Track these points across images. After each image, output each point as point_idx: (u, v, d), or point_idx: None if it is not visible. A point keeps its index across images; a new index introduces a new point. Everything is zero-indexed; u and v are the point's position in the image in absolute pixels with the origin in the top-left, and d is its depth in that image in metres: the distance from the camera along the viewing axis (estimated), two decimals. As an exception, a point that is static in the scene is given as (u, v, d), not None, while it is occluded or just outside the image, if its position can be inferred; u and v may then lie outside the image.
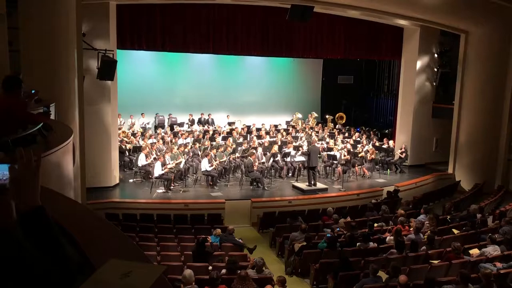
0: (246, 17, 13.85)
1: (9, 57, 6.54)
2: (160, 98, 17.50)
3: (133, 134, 14.80)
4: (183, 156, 12.04)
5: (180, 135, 14.67)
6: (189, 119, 17.51)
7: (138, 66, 17.14)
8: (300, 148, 13.49)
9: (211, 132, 15.73)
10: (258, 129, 16.80)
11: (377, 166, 14.30)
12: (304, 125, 18.34)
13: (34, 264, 1.04)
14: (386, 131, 18.43)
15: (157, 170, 11.10)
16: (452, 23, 13.78)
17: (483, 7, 12.43)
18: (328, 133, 16.84)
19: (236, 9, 13.63)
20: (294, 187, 12.15)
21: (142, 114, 16.99)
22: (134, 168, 12.86)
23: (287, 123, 18.96)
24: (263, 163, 12.72)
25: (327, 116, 19.18)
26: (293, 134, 16.21)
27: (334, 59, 17.77)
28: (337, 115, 19.34)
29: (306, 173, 12.57)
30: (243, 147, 13.58)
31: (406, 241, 7.57)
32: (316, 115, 19.07)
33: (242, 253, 7.88)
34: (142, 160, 11.91)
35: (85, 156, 8.63)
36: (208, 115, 17.99)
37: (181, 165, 11.82)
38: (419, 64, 15.31)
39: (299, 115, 18.77)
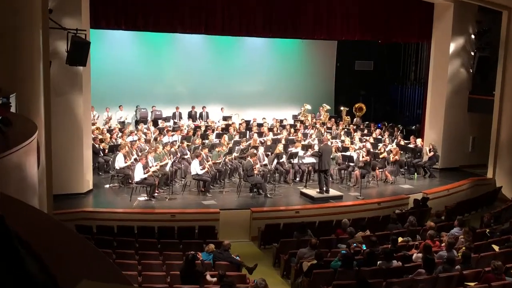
0: (245, -10, 13.88)
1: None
2: (141, 88, 17.51)
3: (110, 131, 14.81)
4: (169, 157, 12.05)
5: (165, 132, 14.70)
6: (176, 113, 17.55)
7: (115, 49, 17.16)
8: (310, 148, 13.49)
9: (203, 128, 15.75)
10: (259, 125, 16.84)
11: (402, 170, 14.32)
12: (314, 120, 18.35)
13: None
14: (413, 127, 18.43)
15: (138, 174, 11.11)
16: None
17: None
18: (343, 130, 16.88)
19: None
20: (302, 194, 12.18)
21: (120, 106, 17.02)
22: (110, 171, 12.87)
23: (294, 117, 18.99)
24: (265, 165, 12.72)
25: (342, 108, 19.20)
26: (302, 131, 16.22)
27: (350, 41, 17.73)
28: (356, 105, 19.33)
29: (316, 178, 12.56)
30: (241, 146, 13.59)
31: (436, 259, 7.56)
32: (328, 107, 19.09)
33: (240, 273, 7.88)
34: (120, 162, 11.91)
35: (51, 157, 8.62)
36: (203, 108, 18.05)
37: (167, 168, 11.81)
38: (452, 47, 15.29)
39: (308, 107, 18.79)
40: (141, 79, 17.48)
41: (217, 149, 12.72)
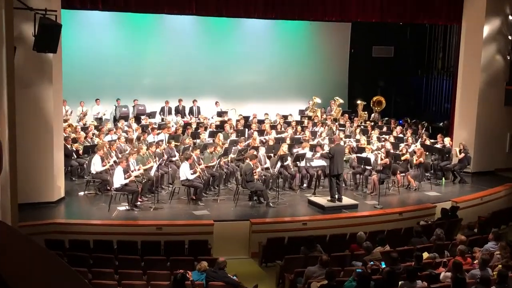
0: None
1: None
2: (122, 78, 17.55)
3: (84, 129, 14.83)
4: (154, 160, 12.07)
5: (150, 130, 14.72)
6: (165, 108, 17.56)
7: (91, 34, 17.19)
8: (319, 148, 13.49)
9: (194, 126, 15.76)
10: (260, 122, 16.87)
11: (427, 174, 14.35)
12: (324, 116, 18.38)
13: None
14: (441, 124, 18.44)
15: (118, 179, 11.12)
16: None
17: None
18: (358, 127, 16.92)
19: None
20: (310, 203, 12.19)
21: (96, 100, 17.04)
22: (85, 177, 12.92)
23: (301, 112, 19.02)
24: (267, 169, 12.73)
25: (358, 102, 19.20)
26: (310, 129, 16.27)
27: (367, 23, 17.80)
28: (374, 99, 19.34)
29: (327, 184, 12.55)
30: (239, 147, 13.62)
31: (468, 279, 7.56)
32: (341, 101, 19.14)
33: (238, 296, 7.87)
34: (96, 165, 11.94)
35: (16, 160, 8.61)
36: (194, 102, 18.03)
37: (152, 172, 11.84)
38: (486, 30, 15.28)
39: (318, 101, 18.80)
40: (121, 69, 17.51)
41: (208, 150, 12.73)
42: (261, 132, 15.55)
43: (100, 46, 17.24)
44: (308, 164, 13.03)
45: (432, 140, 15.65)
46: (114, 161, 12.06)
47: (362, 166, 13.20)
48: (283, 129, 16.16)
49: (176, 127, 15.74)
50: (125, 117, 16.63)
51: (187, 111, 18.11)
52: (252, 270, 10.10)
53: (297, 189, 13.19)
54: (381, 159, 13.11)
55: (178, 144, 14.06)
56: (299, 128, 16.21)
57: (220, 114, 17.64)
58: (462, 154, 14.34)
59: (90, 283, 7.24)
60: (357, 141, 15.18)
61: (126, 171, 11.26)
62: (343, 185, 12.61)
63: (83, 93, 16.55)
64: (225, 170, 12.89)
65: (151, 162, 11.97)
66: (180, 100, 17.79)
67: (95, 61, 17.02)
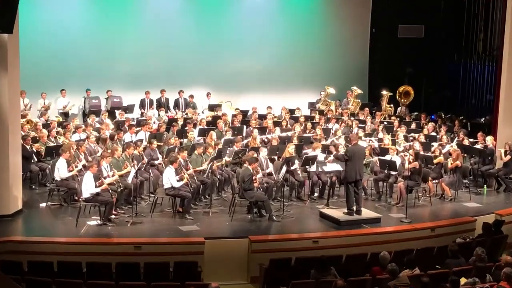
0: None
1: None
2: (93, 65, 17.50)
3: (47, 125, 14.74)
4: (132, 164, 12.01)
5: (127, 127, 14.68)
6: (146, 100, 17.57)
7: (55, 10, 17.17)
8: (334, 150, 13.44)
9: (180, 122, 15.71)
10: (262, 117, 16.81)
11: (465, 180, 14.26)
12: (340, 110, 18.32)
13: None
14: (482, 120, 18.42)
15: (88, 188, 11.07)
16: None
17: None
18: (381, 124, 16.84)
19: None
20: (323, 216, 12.10)
21: (62, 91, 17.02)
22: (48, 184, 12.85)
23: (311, 106, 18.99)
24: (270, 174, 12.66)
25: (384, 93, 19.14)
26: (322, 126, 16.20)
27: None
28: (400, 89, 19.30)
29: (343, 193, 12.48)
30: (235, 148, 13.57)
31: (515, 309, 7.52)
32: (360, 91, 19.09)
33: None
34: (61, 170, 11.89)
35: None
36: (180, 93, 18.00)
37: (129, 179, 11.78)
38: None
39: (331, 91, 18.77)
40: (92, 53, 17.49)
41: (196, 152, 12.66)
42: (262, 130, 15.48)
43: (66, 25, 17.20)
44: (320, 169, 12.93)
45: (472, 140, 15.57)
46: (83, 165, 11.99)
47: (386, 171, 13.12)
48: (289, 126, 16.10)
49: (158, 123, 15.68)
50: (97, 112, 16.59)
51: (171, 105, 18.08)
52: (251, 298, 10.09)
53: (307, 199, 13.10)
54: (409, 163, 12.96)
55: (161, 144, 13.99)
56: (308, 124, 16.15)
57: (212, 108, 17.57)
58: (508, 157, 14.27)
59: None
60: (380, 140, 15.11)
61: (98, 177, 11.18)
62: (363, 194, 12.51)
63: (46, 83, 16.53)
64: (218, 176, 12.80)
65: (128, 167, 11.90)
66: (162, 91, 17.73)
67: (60, 43, 16.98)
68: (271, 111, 17.33)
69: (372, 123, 17.09)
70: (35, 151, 13.27)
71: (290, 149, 13.05)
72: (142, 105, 17.73)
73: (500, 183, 14.38)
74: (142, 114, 17.10)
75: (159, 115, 17.02)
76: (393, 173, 13.10)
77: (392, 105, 19.32)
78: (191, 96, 17.99)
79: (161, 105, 17.66)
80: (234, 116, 16.67)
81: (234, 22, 19.01)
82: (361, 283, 9.27)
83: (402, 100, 19.43)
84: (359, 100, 18.98)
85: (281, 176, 12.52)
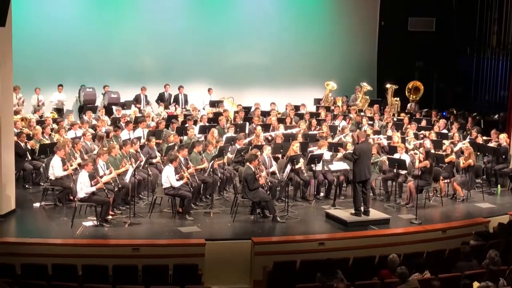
0: None
1: None
2: (88, 59, 17.49)
3: (41, 122, 14.78)
4: (129, 162, 12.04)
5: (124, 124, 14.71)
6: (141, 96, 17.58)
7: (49, 2, 17.13)
8: (341, 148, 13.48)
9: (180, 119, 15.74)
10: (265, 114, 16.85)
11: (478, 180, 14.28)
12: (347, 106, 18.32)
13: None
14: (496, 116, 18.37)
15: (84, 187, 11.10)
16: None
17: None
18: (390, 121, 16.88)
19: None
20: (329, 216, 12.16)
21: (59, 86, 17.01)
22: (42, 183, 12.87)
23: (317, 102, 19.00)
24: (274, 173, 12.70)
25: (387, 86, 19.12)
26: (328, 123, 16.23)
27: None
28: (411, 84, 19.26)
29: (350, 193, 12.53)
30: (238, 146, 13.63)
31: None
32: (369, 87, 19.12)
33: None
34: (56, 169, 11.91)
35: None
36: (180, 89, 18.00)
37: (127, 178, 11.82)
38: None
39: (333, 85, 18.75)
40: (88, 46, 17.49)
41: (195, 150, 12.69)
42: (266, 127, 15.49)
43: (61, 17, 17.19)
44: (326, 168, 12.97)
45: (485, 137, 15.59)
46: (79, 164, 11.99)
47: (395, 170, 13.10)
48: (294, 123, 16.12)
49: (157, 120, 15.67)
50: (92, 107, 16.60)
51: (171, 100, 18.09)
52: (254, 303, 10.10)
53: (312, 199, 13.14)
54: (420, 161, 12.96)
55: (160, 142, 14.01)
56: (314, 121, 16.17)
57: (213, 104, 17.57)
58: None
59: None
60: (389, 138, 15.13)
61: (94, 176, 11.20)
62: (371, 194, 12.52)
63: (40, 77, 16.49)
64: (220, 175, 12.83)
65: (126, 165, 11.91)
66: (166, 86, 17.77)
67: (54, 36, 16.98)
68: (275, 107, 17.35)
69: (380, 119, 17.10)
70: (30, 148, 13.31)
71: (295, 147, 13.05)
72: (136, 100, 17.73)
73: (514, 184, 14.39)
74: (139, 111, 17.04)
75: (158, 111, 16.99)
76: (403, 172, 13.14)
77: (398, 99, 19.29)
78: (166, 86, 18.03)
79: (163, 100, 17.65)
80: (236, 112, 16.68)
81: (236, 13, 18.97)
82: (369, 287, 9.30)
83: (412, 96, 19.39)
84: (368, 97, 18.96)
85: (286, 175, 12.53)
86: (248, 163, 11.89)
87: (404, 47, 20.35)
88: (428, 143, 14.23)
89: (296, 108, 17.60)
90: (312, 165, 12.86)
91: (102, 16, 17.88)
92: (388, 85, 19.11)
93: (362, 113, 17.41)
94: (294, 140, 13.78)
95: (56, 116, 15.80)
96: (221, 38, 18.77)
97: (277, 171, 12.78)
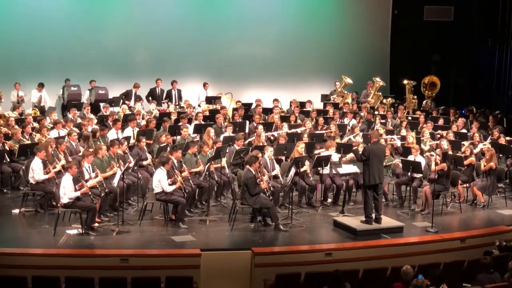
0: None
1: None
2: (73, 51, 17.54)
3: (21, 120, 14.82)
4: (118, 164, 12.06)
5: (112, 123, 14.70)
6: (132, 92, 17.58)
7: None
8: (350, 149, 13.31)
9: (173, 117, 15.80)
10: (267, 111, 16.86)
11: (500, 184, 14.30)
12: (357, 103, 18.25)
13: None
14: (520, 115, 18.33)
15: (67, 191, 11.05)
16: None
17: None
18: (405, 119, 16.76)
19: None
20: (337, 224, 12.18)
21: (39, 86, 16.92)
22: (21, 188, 12.93)
23: (325, 99, 18.90)
24: (276, 177, 12.64)
25: (404, 82, 19.07)
26: (337, 121, 16.23)
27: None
28: (426, 80, 19.23)
29: (360, 198, 12.54)
30: (237, 146, 13.60)
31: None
32: (381, 83, 19.07)
33: None
34: (37, 172, 11.88)
35: None
36: (173, 84, 17.99)
37: (115, 182, 11.83)
38: None
39: (349, 81, 18.73)
40: (72, 39, 17.60)
41: (189, 151, 12.71)
42: (268, 126, 15.48)
43: (43, 7, 17.25)
44: (334, 171, 12.98)
45: (508, 138, 15.49)
46: (62, 166, 11.95)
47: (409, 173, 13.11)
48: (299, 121, 16.11)
49: (147, 118, 15.70)
50: (77, 104, 16.56)
51: (163, 97, 18.13)
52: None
53: (319, 205, 13.12)
54: (436, 164, 12.91)
55: (151, 142, 14.00)
56: (321, 120, 16.16)
57: (210, 100, 17.55)
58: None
59: None
60: (403, 138, 15.10)
61: (78, 180, 11.19)
62: (383, 200, 12.58)
63: (19, 71, 16.53)
64: (217, 179, 12.79)
65: (114, 168, 11.93)
66: (158, 80, 17.72)
67: (36, 27, 17.05)
68: (278, 105, 17.36)
69: (393, 118, 17.12)
70: (8, 149, 13.29)
71: (300, 148, 13.02)
72: (126, 96, 17.71)
73: (540, 189, 14.42)
74: (129, 108, 17.01)
75: (149, 109, 16.96)
76: (418, 175, 13.17)
77: (416, 97, 19.29)
78: (158, 81, 17.98)
79: (155, 97, 17.65)
80: (235, 110, 16.72)
81: (235, 2, 19.08)
82: (381, 302, 9.36)
83: (428, 92, 19.50)
84: (380, 93, 18.95)
85: (289, 180, 12.46)
86: (248, 166, 11.88)
87: (419, 39, 20.52)
88: (445, 144, 14.17)
89: (302, 105, 17.59)
90: (318, 168, 12.90)
91: (88, 6, 18.00)
92: (405, 81, 19.09)
93: (374, 113, 17.34)
94: (299, 141, 13.76)
95: (38, 113, 15.82)
96: (218, 26, 18.90)
97: (280, 175, 12.80)
